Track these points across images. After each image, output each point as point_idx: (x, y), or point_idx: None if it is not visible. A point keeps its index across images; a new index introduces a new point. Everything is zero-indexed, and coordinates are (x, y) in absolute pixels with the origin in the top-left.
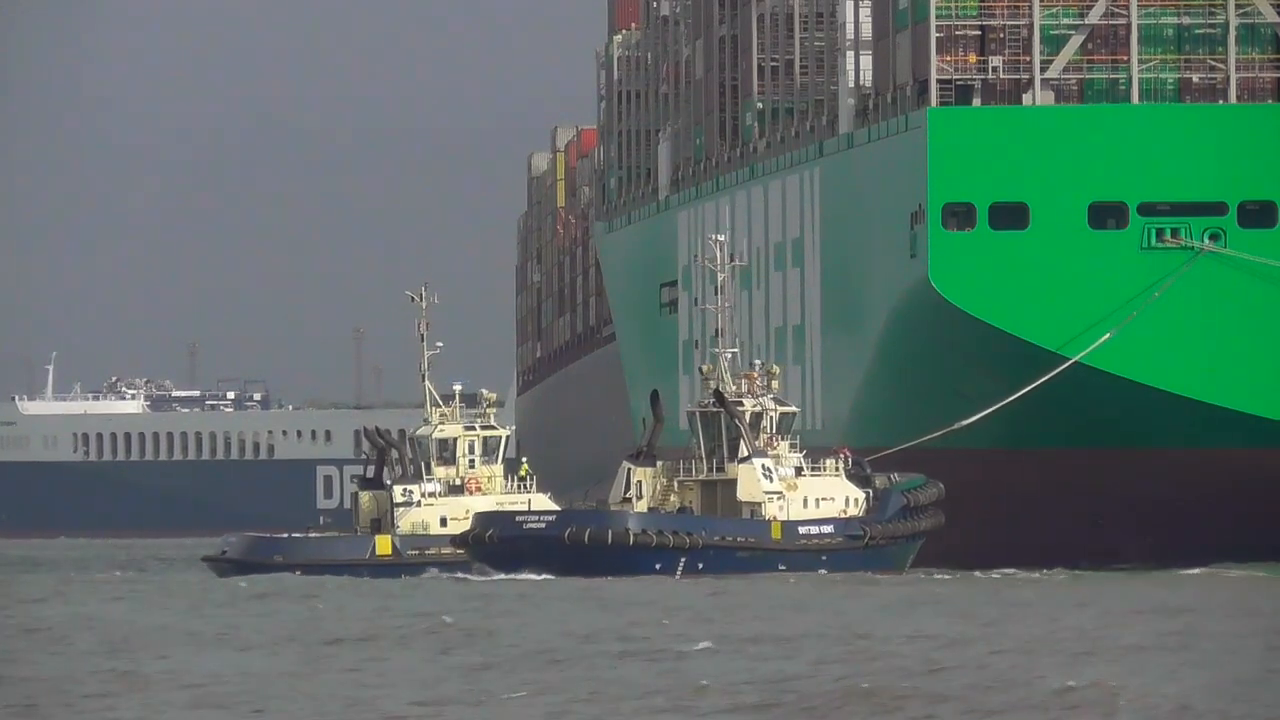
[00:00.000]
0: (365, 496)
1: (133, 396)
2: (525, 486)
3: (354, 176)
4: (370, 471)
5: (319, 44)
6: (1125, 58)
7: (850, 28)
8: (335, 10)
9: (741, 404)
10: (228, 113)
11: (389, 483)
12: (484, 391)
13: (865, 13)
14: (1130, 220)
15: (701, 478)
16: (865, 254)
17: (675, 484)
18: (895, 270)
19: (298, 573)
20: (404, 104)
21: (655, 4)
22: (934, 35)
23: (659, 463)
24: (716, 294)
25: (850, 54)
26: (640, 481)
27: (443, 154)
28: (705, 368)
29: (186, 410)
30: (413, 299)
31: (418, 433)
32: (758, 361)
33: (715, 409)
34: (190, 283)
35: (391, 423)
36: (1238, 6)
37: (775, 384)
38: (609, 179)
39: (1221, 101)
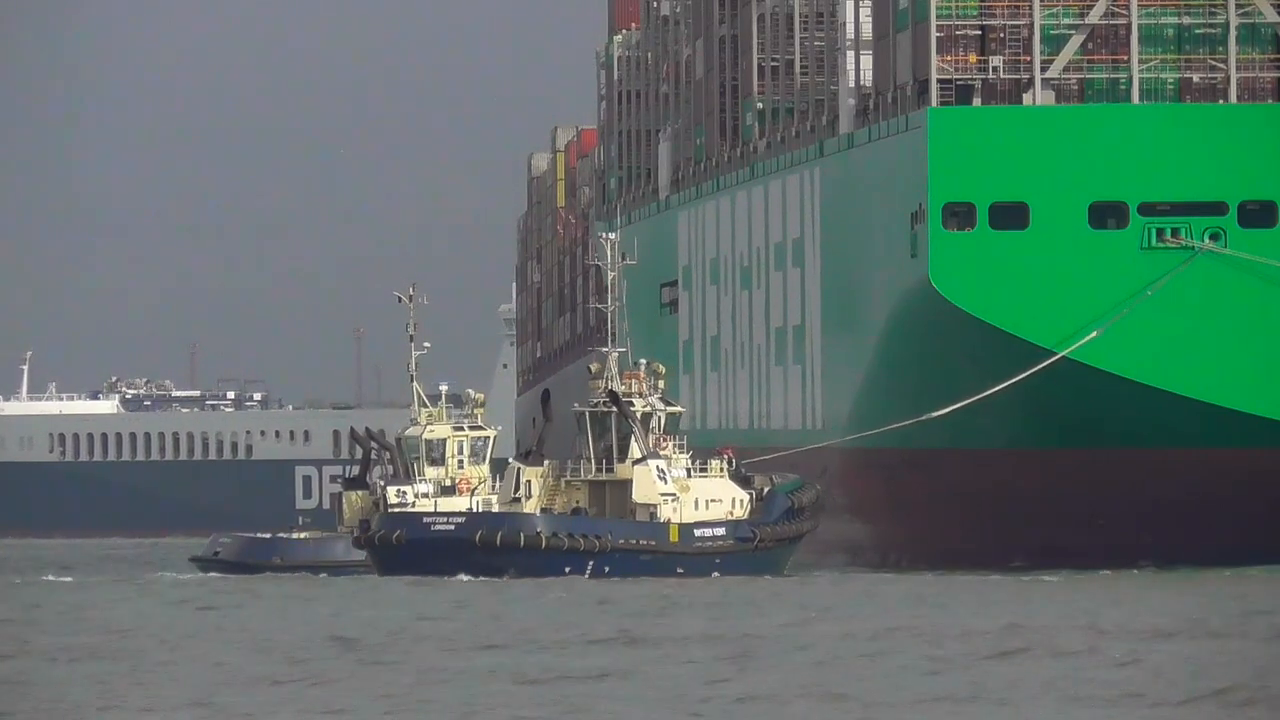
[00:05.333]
0: (354, 496)
1: (133, 396)
2: None
3: (354, 177)
4: (353, 471)
5: (319, 44)
6: (1125, 58)
7: (850, 28)
8: (334, 10)
9: (633, 404)
10: (228, 112)
11: (382, 483)
12: (470, 391)
13: (865, 13)
14: (1130, 220)
15: (589, 478)
16: (865, 254)
17: (562, 484)
18: (895, 270)
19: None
20: (403, 104)
21: (655, 4)
22: (934, 35)
23: (546, 462)
24: (606, 293)
25: (850, 54)
26: (529, 481)
27: (442, 154)
28: (593, 367)
29: (160, 411)
30: (400, 299)
31: (406, 433)
32: (643, 361)
33: (606, 409)
34: (190, 283)
35: (371, 423)
36: (1238, 6)
37: (661, 384)
38: (609, 179)
39: (1221, 101)
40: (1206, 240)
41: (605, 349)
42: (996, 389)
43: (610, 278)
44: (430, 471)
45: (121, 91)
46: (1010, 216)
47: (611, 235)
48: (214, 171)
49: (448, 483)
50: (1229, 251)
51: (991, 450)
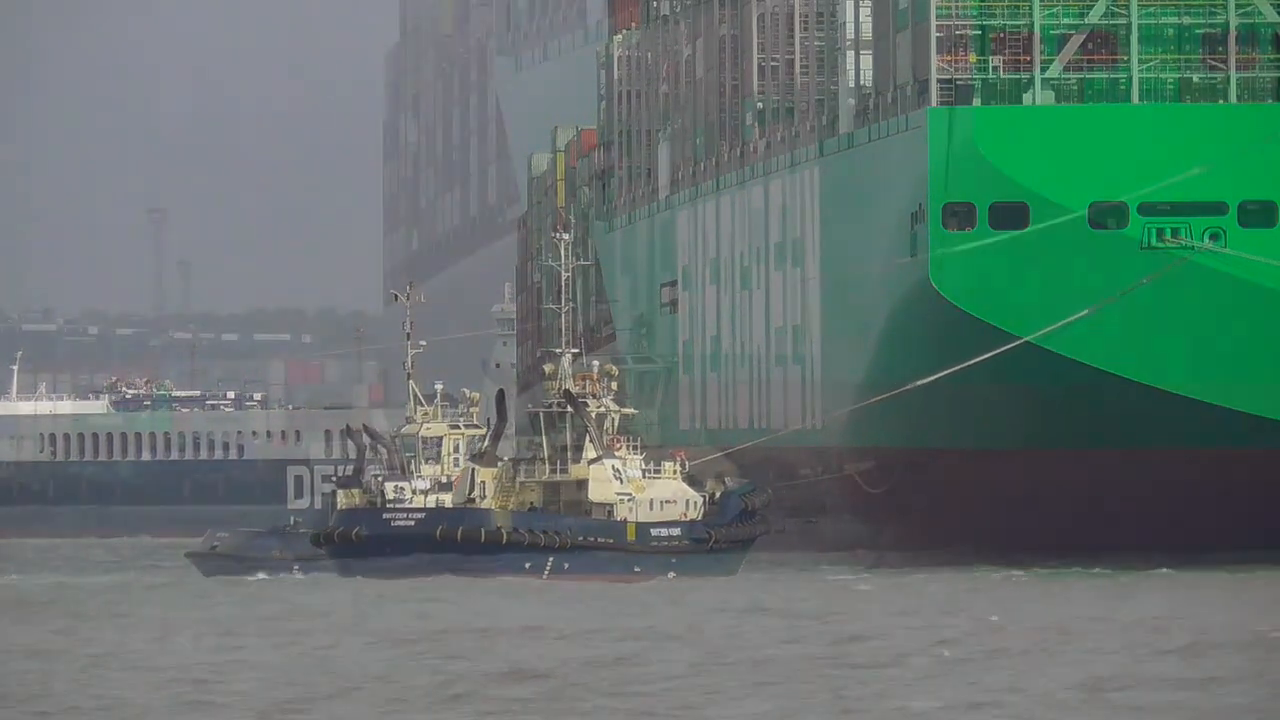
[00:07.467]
0: (352, 494)
1: (133, 396)
2: None
3: (353, 176)
4: (347, 470)
5: (320, 43)
6: (1125, 58)
7: (850, 28)
8: (336, 9)
9: (587, 404)
10: (229, 112)
11: (380, 477)
12: (465, 390)
13: (865, 13)
14: (1130, 220)
15: (544, 478)
16: (865, 254)
17: (517, 484)
18: (895, 270)
19: (296, 568)
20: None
21: (655, 4)
22: (934, 35)
23: (500, 462)
24: (560, 295)
25: (850, 54)
26: (484, 481)
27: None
28: (547, 368)
29: (150, 411)
30: (395, 298)
31: (403, 431)
32: (596, 363)
33: (562, 409)
34: (190, 282)
35: (362, 423)
36: (1238, 6)
37: (615, 385)
38: (609, 179)
39: (1221, 101)
40: (1206, 240)
41: (559, 350)
42: (978, 359)
43: (564, 279)
44: (426, 469)
45: (121, 91)
46: (1010, 217)
47: (565, 236)
48: (216, 170)
49: (444, 480)
50: (1228, 251)
51: (992, 450)
